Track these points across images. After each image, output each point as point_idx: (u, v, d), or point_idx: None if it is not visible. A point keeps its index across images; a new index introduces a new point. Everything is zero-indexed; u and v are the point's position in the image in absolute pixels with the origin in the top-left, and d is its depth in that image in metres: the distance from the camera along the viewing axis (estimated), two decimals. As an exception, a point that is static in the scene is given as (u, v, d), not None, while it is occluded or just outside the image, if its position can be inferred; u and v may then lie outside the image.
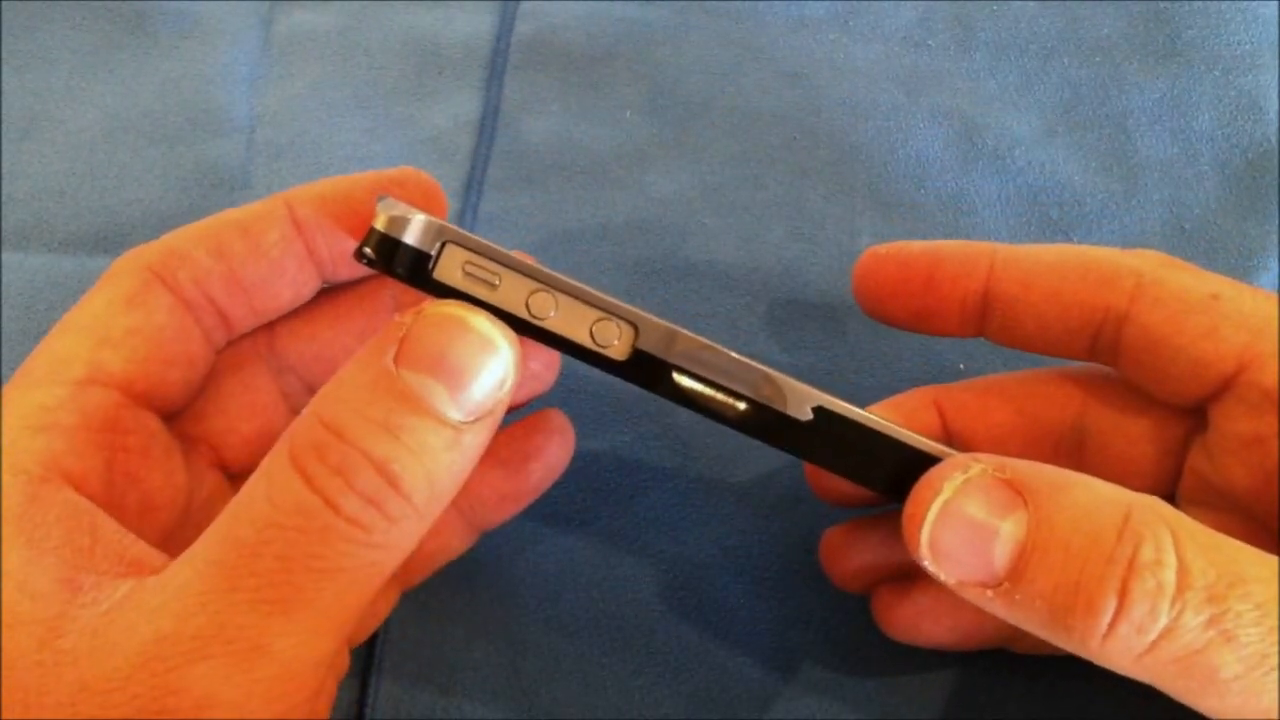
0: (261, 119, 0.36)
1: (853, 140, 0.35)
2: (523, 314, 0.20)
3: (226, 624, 0.18)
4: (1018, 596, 0.18)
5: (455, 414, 0.19)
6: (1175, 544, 0.18)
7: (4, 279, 0.33)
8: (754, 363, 0.21)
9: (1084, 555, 0.18)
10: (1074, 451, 0.25)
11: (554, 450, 0.26)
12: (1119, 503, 0.18)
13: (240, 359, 0.25)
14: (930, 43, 0.37)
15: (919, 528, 0.19)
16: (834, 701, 0.27)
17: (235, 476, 0.26)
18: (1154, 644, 0.17)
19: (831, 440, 0.21)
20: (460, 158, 0.35)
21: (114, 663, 0.18)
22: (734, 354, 0.21)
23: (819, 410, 0.21)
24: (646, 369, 0.21)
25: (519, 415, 0.26)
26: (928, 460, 0.21)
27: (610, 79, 0.36)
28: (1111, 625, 0.17)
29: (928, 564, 0.19)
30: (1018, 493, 0.18)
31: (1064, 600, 0.18)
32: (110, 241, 0.33)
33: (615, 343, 0.20)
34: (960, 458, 0.20)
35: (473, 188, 0.34)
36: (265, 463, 0.19)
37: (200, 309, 0.23)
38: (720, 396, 0.21)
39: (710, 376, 0.21)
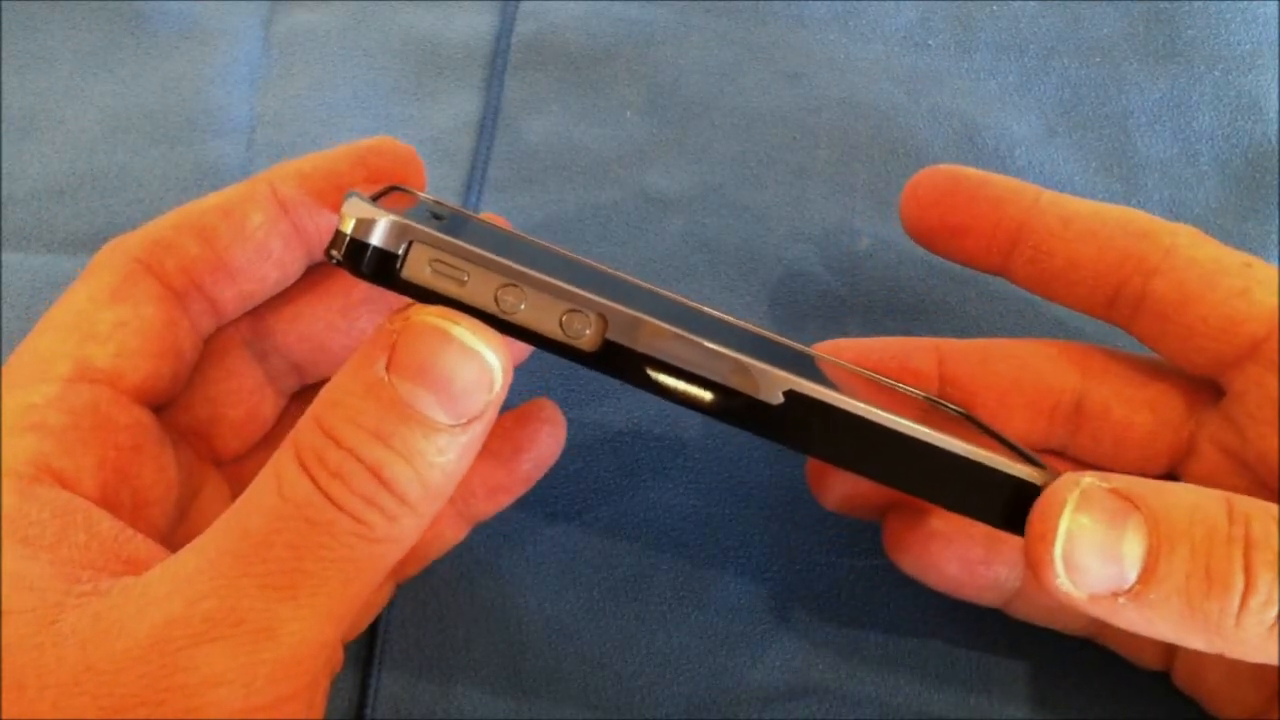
0: (261, 119, 0.36)
1: (853, 140, 0.35)
2: (492, 309, 0.20)
3: (236, 607, 0.18)
4: (1152, 595, 0.19)
5: (445, 419, 0.19)
6: (1274, 519, 0.19)
7: (4, 279, 0.33)
8: (726, 350, 0.20)
9: (1207, 542, 0.18)
10: (1071, 417, 0.25)
11: (544, 441, 0.26)
12: (1216, 494, 0.19)
13: (223, 345, 0.25)
14: (930, 43, 0.37)
15: (1050, 545, 0.19)
16: (834, 703, 0.27)
17: (226, 465, 0.26)
18: None
19: (806, 424, 0.20)
20: (460, 158, 0.35)
21: (122, 645, 0.18)
22: (706, 342, 0.20)
23: (790, 394, 0.20)
24: (617, 360, 0.20)
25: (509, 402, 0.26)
26: (904, 439, 0.20)
27: (610, 79, 0.36)
28: (1243, 601, 0.18)
29: (1060, 580, 0.19)
30: (1128, 499, 0.19)
31: (1198, 588, 0.18)
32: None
33: (586, 333, 0.20)
34: (1069, 476, 0.20)
35: (473, 188, 0.34)
36: (275, 459, 0.20)
37: (188, 297, 0.23)
38: (690, 388, 0.20)
39: (681, 365, 0.20)
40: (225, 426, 0.25)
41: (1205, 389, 0.25)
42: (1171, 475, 0.25)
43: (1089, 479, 0.19)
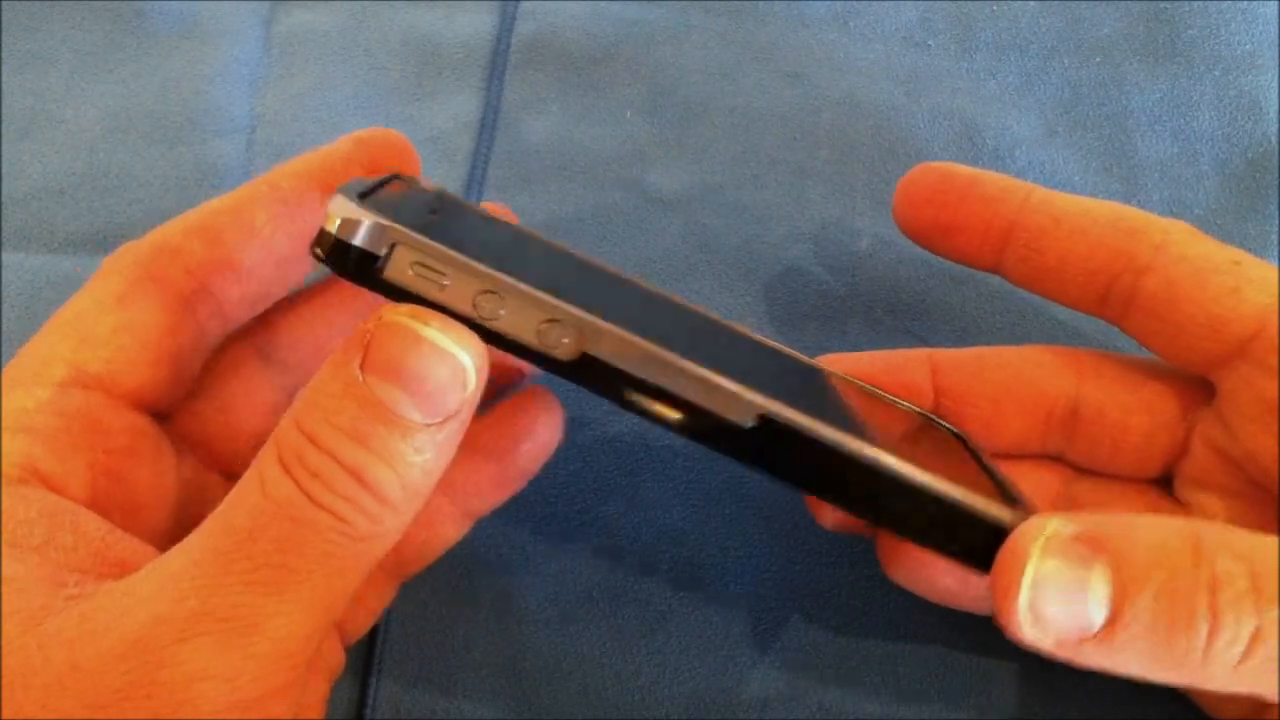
0: (261, 119, 0.36)
1: (853, 140, 0.35)
2: (470, 314, 0.20)
3: (221, 604, 0.19)
4: (1118, 640, 0.18)
5: (421, 418, 0.19)
6: (1243, 553, 0.18)
7: (4, 279, 0.33)
8: (701, 370, 0.20)
9: (1172, 585, 0.18)
10: (1067, 422, 0.25)
11: (541, 431, 0.26)
12: (1185, 530, 0.19)
13: (238, 359, 0.25)
14: (930, 43, 0.37)
15: (1015, 597, 0.19)
16: (835, 703, 0.27)
17: (235, 477, 0.26)
18: (1249, 649, 0.18)
19: (779, 450, 0.20)
20: (460, 158, 0.35)
21: (108, 643, 0.18)
22: (681, 360, 0.20)
23: (763, 419, 0.20)
24: (592, 373, 0.20)
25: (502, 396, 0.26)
26: (881, 472, 0.20)
27: (610, 79, 0.36)
28: (1209, 641, 0.18)
29: (1026, 630, 0.19)
30: (1093, 542, 0.19)
31: (1163, 632, 0.18)
32: (110, 241, 0.33)
33: (564, 343, 0.20)
34: (1035, 521, 0.19)
35: (473, 188, 0.34)
36: (259, 458, 0.20)
37: (195, 300, 0.23)
38: (663, 408, 0.20)
39: (654, 383, 0.20)
40: (240, 440, 0.25)
41: (1200, 388, 0.25)
42: (1167, 476, 0.25)
43: (1054, 524, 0.19)
